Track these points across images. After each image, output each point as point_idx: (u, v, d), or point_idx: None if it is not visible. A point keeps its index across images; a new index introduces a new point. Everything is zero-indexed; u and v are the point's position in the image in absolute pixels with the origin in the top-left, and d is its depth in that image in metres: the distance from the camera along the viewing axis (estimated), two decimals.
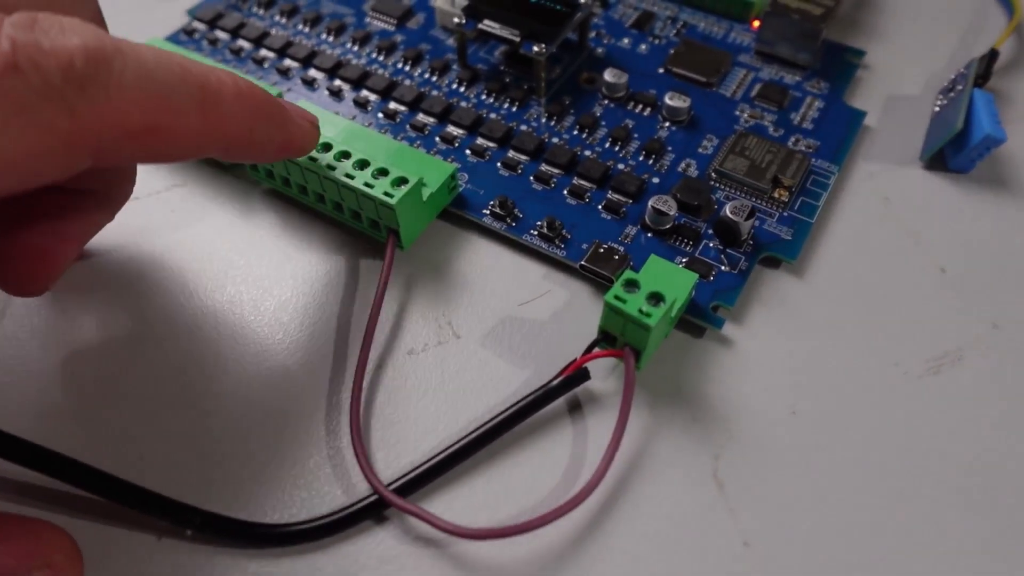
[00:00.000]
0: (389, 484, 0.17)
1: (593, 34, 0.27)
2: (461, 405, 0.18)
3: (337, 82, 0.26)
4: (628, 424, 0.17)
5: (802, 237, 0.21)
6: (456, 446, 0.17)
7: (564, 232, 0.21)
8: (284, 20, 0.28)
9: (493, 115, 0.24)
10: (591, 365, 0.18)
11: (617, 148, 0.23)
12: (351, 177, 0.20)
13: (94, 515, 0.17)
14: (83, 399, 0.18)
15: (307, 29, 0.27)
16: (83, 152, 0.12)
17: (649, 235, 0.21)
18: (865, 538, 0.16)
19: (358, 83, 0.25)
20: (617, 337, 0.18)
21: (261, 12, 0.28)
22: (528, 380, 0.19)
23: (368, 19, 0.28)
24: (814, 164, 0.23)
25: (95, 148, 0.12)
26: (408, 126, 0.24)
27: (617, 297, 0.17)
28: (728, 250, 0.21)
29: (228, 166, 0.23)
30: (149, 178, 0.23)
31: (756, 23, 0.27)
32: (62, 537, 0.15)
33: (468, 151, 0.23)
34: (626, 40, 0.27)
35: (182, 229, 0.22)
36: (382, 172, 0.20)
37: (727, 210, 0.20)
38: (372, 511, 0.16)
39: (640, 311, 0.17)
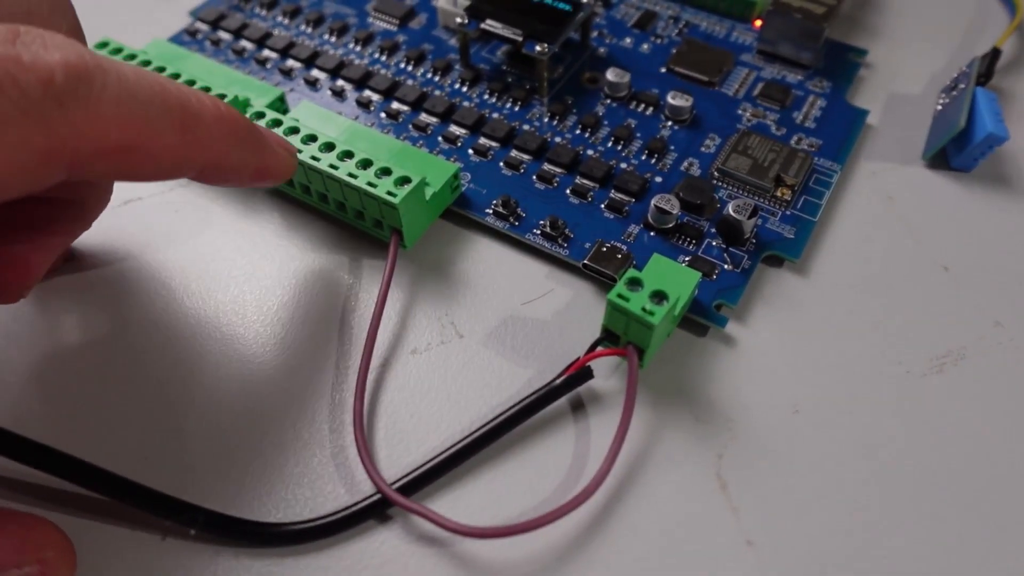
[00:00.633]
0: (392, 483, 0.17)
1: (595, 34, 0.27)
2: (464, 404, 0.18)
3: (340, 82, 0.26)
4: (631, 423, 0.17)
5: (805, 236, 0.21)
6: (459, 445, 0.17)
7: (567, 231, 0.21)
8: (287, 21, 0.28)
9: (496, 115, 0.24)
10: (594, 364, 0.18)
11: (620, 147, 0.23)
12: (354, 177, 0.20)
13: (99, 514, 0.17)
14: (87, 399, 0.19)
15: (310, 29, 0.28)
16: (59, 166, 0.12)
17: (652, 234, 0.21)
18: (867, 537, 0.16)
19: (361, 83, 0.25)
20: (620, 336, 0.18)
21: (264, 13, 0.28)
22: (531, 379, 0.19)
23: (370, 19, 0.28)
24: (817, 163, 0.23)
25: (71, 163, 0.13)
26: (411, 126, 0.24)
27: (620, 296, 0.17)
28: (731, 249, 0.21)
29: None
30: None
31: (758, 22, 0.27)
32: (55, 533, 0.15)
33: (471, 151, 0.23)
34: (628, 40, 0.27)
35: (186, 229, 0.22)
36: (385, 172, 0.20)
37: (730, 209, 0.20)
38: (376, 510, 0.17)
39: (643, 309, 0.17)
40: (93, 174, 0.13)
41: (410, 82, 0.26)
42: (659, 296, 0.17)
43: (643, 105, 0.25)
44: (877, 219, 0.22)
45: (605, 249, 0.20)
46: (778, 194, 0.22)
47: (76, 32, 0.16)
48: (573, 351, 0.19)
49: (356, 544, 0.16)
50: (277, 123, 0.21)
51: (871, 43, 0.27)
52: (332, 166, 0.20)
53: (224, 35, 0.27)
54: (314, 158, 0.20)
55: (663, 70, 0.26)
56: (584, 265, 0.20)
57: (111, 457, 0.17)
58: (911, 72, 0.26)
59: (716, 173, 0.23)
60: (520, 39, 0.24)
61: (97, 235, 0.20)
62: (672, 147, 0.23)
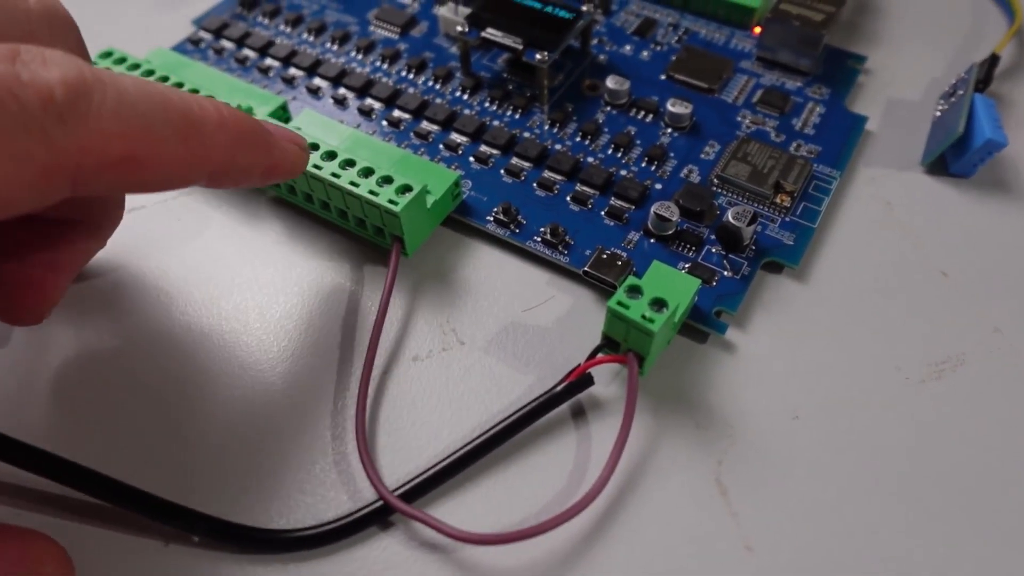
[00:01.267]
0: (394, 490, 0.17)
1: (595, 41, 0.27)
2: (465, 411, 0.19)
3: (342, 90, 0.26)
4: (631, 429, 0.17)
5: (804, 242, 0.21)
6: (461, 452, 0.17)
7: (567, 238, 0.21)
8: (289, 29, 0.28)
9: (496, 122, 0.25)
10: (595, 371, 0.18)
11: (620, 154, 0.24)
12: (356, 185, 0.20)
13: (102, 521, 0.17)
14: (90, 407, 0.19)
15: (312, 38, 0.28)
16: (62, 182, 0.13)
17: (652, 241, 0.21)
18: (867, 542, 0.16)
19: (362, 91, 0.26)
20: (620, 343, 0.18)
21: (266, 21, 0.28)
22: (532, 386, 0.19)
23: (372, 28, 0.28)
24: (816, 169, 0.23)
25: (74, 178, 0.13)
26: (412, 134, 0.24)
27: (620, 303, 0.17)
28: (730, 255, 0.21)
29: None
30: None
31: (757, 29, 0.27)
32: (54, 547, 0.15)
33: (472, 158, 0.24)
34: (628, 47, 0.27)
35: (189, 237, 0.22)
36: (386, 180, 0.20)
37: (729, 215, 0.20)
38: (378, 517, 0.17)
39: (643, 317, 0.17)
40: (99, 188, 0.13)
41: (411, 90, 0.26)
42: (659, 303, 0.17)
43: (643, 112, 0.25)
44: (876, 225, 0.22)
45: (605, 256, 0.21)
46: (777, 201, 0.22)
47: (79, 50, 0.16)
48: (574, 358, 0.19)
49: (358, 551, 0.16)
50: (283, 126, 0.21)
51: (870, 50, 0.27)
52: (334, 174, 0.20)
53: (227, 44, 0.28)
54: (316, 166, 0.20)
55: (663, 77, 0.26)
56: (584, 272, 0.20)
57: (114, 464, 0.17)
58: (910, 78, 0.26)
59: (716, 180, 0.23)
60: (520, 47, 0.24)
61: None
62: (672, 154, 0.24)
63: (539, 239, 0.21)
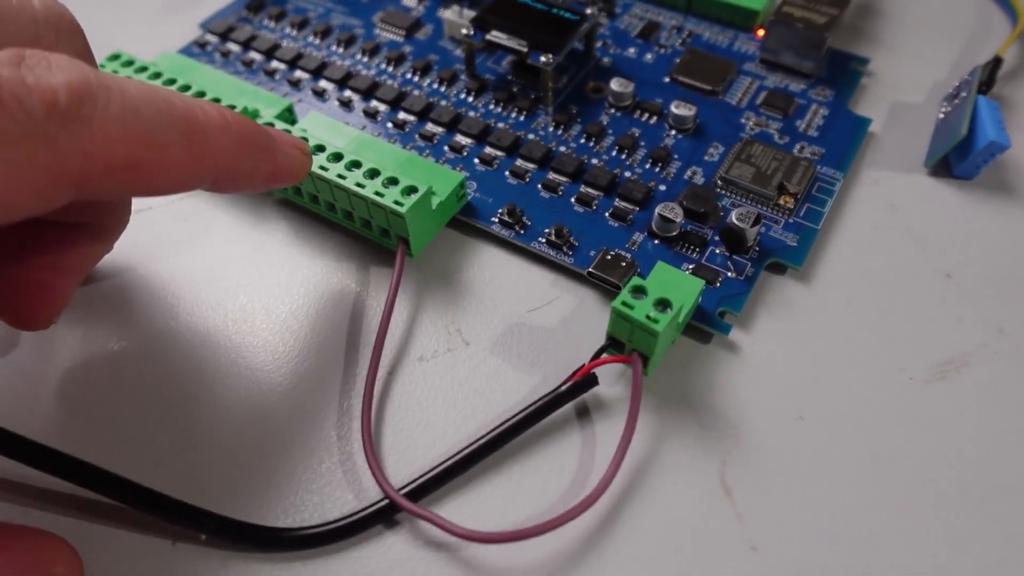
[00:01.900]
0: (400, 489, 0.17)
1: (599, 44, 0.27)
2: (471, 411, 0.19)
3: (347, 93, 0.26)
4: (636, 430, 0.17)
5: (808, 243, 0.21)
6: (466, 451, 0.17)
7: (572, 239, 0.21)
8: (295, 32, 0.28)
9: (501, 124, 0.25)
10: (599, 371, 0.18)
11: (624, 156, 0.24)
12: (362, 186, 0.20)
13: (111, 520, 0.17)
14: (99, 407, 0.19)
15: (317, 41, 0.28)
16: (65, 186, 0.13)
17: (656, 242, 0.21)
18: (871, 543, 0.16)
19: (368, 94, 0.26)
20: (625, 343, 0.18)
21: (272, 24, 0.29)
22: (537, 386, 0.19)
23: (377, 31, 0.28)
24: (819, 171, 0.23)
25: (77, 182, 0.13)
26: (417, 136, 0.25)
27: (624, 303, 0.17)
28: (734, 256, 0.21)
29: None
30: None
31: (761, 32, 0.27)
32: (65, 549, 0.15)
33: (476, 160, 0.24)
34: (632, 49, 0.27)
35: (195, 239, 0.22)
36: (392, 181, 0.20)
37: (733, 217, 0.20)
38: (383, 515, 0.17)
39: (647, 317, 0.17)
40: (102, 192, 0.13)
41: (416, 92, 0.26)
42: (663, 304, 0.17)
43: (647, 114, 0.25)
44: (880, 227, 0.22)
45: (610, 257, 0.21)
46: (781, 202, 0.22)
47: (85, 54, 0.16)
48: (578, 358, 0.19)
49: (364, 549, 0.17)
50: (287, 132, 0.21)
51: (873, 52, 0.27)
52: (340, 176, 0.20)
53: (233, 47, 0.28)
54: (322, 168, 0.20)
55: (667, 79, 0.26)
56: (589, 273, 0.21)
57: (122, 464, 0.17)
58: (913, 81, 0.27)
59: (719, 181, 0.23)
60: (525, 50, 0.24)
61: None
62: (676, 156, 0.24)
63: (544, 240, 0.21)
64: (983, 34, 0.28)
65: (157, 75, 0.23)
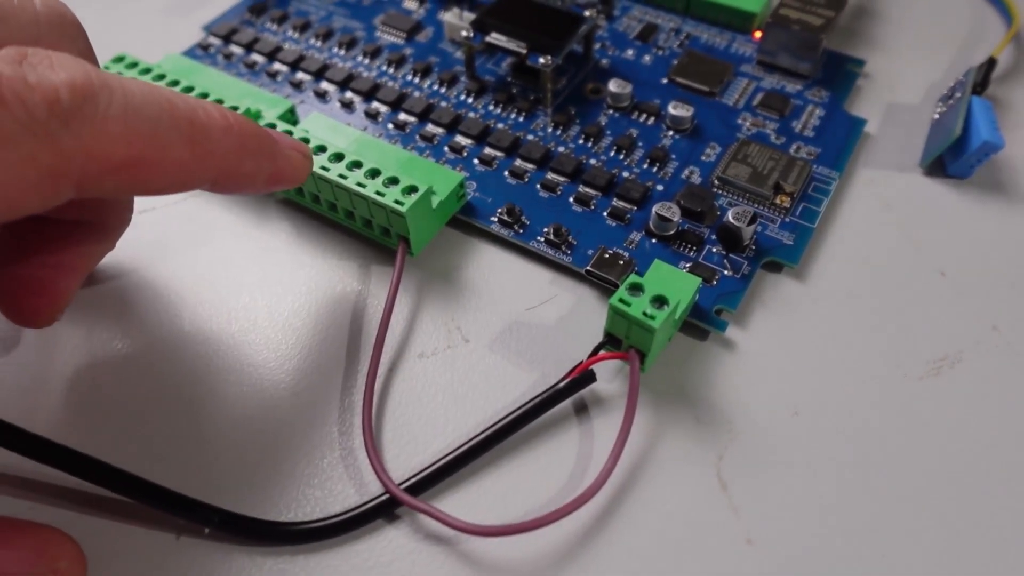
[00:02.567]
0: (400, 483, 0.17)
1: (598, 46, 0.28)
2: (470, 407, 0.19)
3: (348, 94, 0.26)
4: (633, 425, 0.17)
5: (803, 242, 0.22)
6: (465, 446, 0.17)
7: (570, 238, 0.22)
8: (297, 35, 0.29)
9: (500, 125, 0.25)
10: (597, 367, 0.19)
11: (622, 156, 0.24)
12: (363, 186, 0.20)
13: (116, 514, 0.17)
14: (103, 403, 0.19)
15: (319, 43, 0.28)
16: (66, 184, 0.13)
17: (653, 241, 0.22)
18: (864, 535, 0.17)
19: (369, 95, 0.26)
20: (622, 340, 0.18)
21: (274, 27, 0.29)
22: (535, 382, 0.19)
23: (378, 33, 0.29)
24: (815, 171, 0.23)
25: (78, 180, 0.13)
26: (418, 136, 0.25)
27: (622, 300, 0.18)
28: (731, 255, 0.21)
29: None
30: None
31: (758, 34, 0.28)
32: (68, 543, 0.15)
33: (476, 160, 0.24)
34: (630, 51, 0.28)
35: (199, 239, 0.23)
36: (393, 181, 0.20)
37: (729, 216, 0.21)
38: (384, 510, 0.17)
39: (644, 314, 0.17)
40: (103, 191, 0.13)
41: (417, 94, 0.26)
42: (660, 301, 0.18)
43: (645, 115, 0.25)
44: (875, 225, 0.23)
45: (607, 256, 0.21)
46: (777, 201, 0.22)
47: (87, 54, 0.16)
48: (576, 355, 0.19)
49: (365, 542, 0.17)
50: (288, 134, 0.21)
51: (869, 53, 0.28)
52: (341, 176, 0.20)
53: (236, 49, 0.28)
54: (324, 168, 0.20)
55: (664, 81, 0.26)
56: (587, 271, 0.21)
57: (127, 459, 0.17)
58: (908, 82, 0.27)
59: (716, 181, 0.23)
60: (524, 51, 0.24)
61: None
62: (673, 156, 0.24)
63: (542, 239, 0.22)
64: (978, 35, 0.28)
65: (161, 76, 0.23)
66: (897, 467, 0.18)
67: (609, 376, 0.19)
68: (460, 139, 0.25)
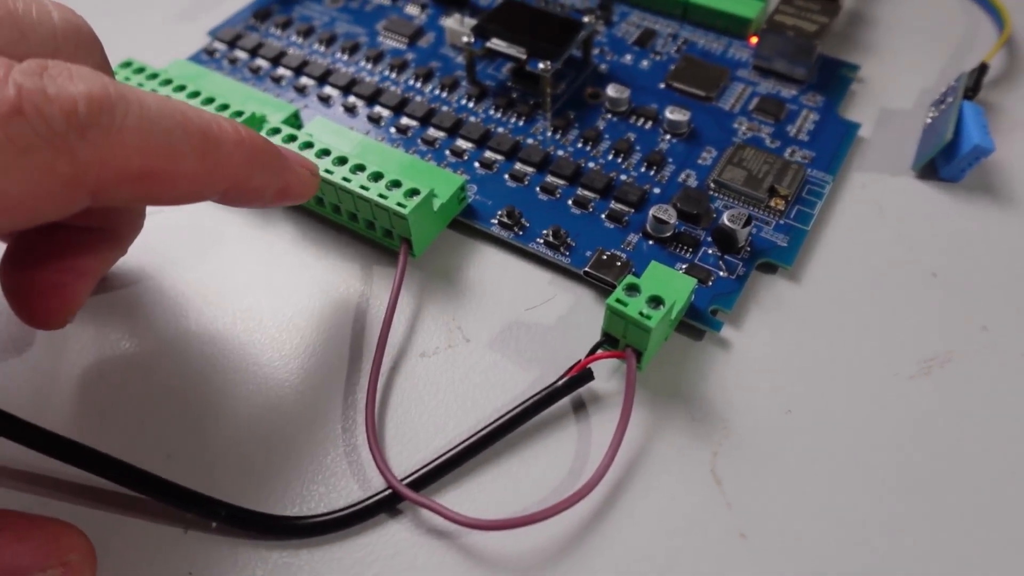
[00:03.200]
0: (403, 479, 0.17)
1: (597, 51, 0.28)
2: (471, 404, 0.19)
3: (352, 99, 0.27)
4: (630, 423, 0.17)
5: (797, 244, 0.22)
6: (466, 443, 0.18)
7: (569, 240, 0.22)
8: (300, 40, 0.29)
9: (501, 129, 0.25)
10: (594, 366, 0.19)
11: (620, 160, 0.24)
12: (366, 189, 0.21)
13: (125, 509, 0.18)
14: (113, 402, 0.19)
15: (323, 48, 0.29)
16: (82, 193, 0.13)
17: (650, 243, 0.22)
18: (856, 531, 0.17)
19: (372, 100, 0.27)
20: (619, 339, 0.19)
21: (278, 33, 0.29)
22: (534, 381, 0.20)
23: (381, 38, 0.29)
24: (809, 174, 0.24)
25: (94, 190, 0.13)
26: (419, 140, 0.25)
27: (619, 300, 0.18)
28: (726, 256, 0.22)
29: None
30: None
31: (754, 39, 0.28)
32: (78, 537, 0.15)
33: (477, 163, 0.24)
34: (628, 56, 0.28)
35: (204, 241, 0.23)
36: (395, 184, 0.21)
37: (725, 218, 0.21)
38: (387, 504, 0.17)
39: (641, 313, 0.18)
40: (117, 200, 0.14)
41: (419, 98, 0.27)
42: (656, 301, 0.18)
43: (642, 119, 0.26)
44: (868, 227, 0.23)
45: (605, 257, 0.21)
46: (772, 204, 0.23)
47: (103, 66, 0.17)
48: (574, 354, 0.20)
49: (368, 536, 0.17)
50: (292, 138, 0.22)
51: (863, 59, 0.28)
52: (345, 179, 0.21)
53: (241, 54, 0.29)
54: (328, 171, 0.21)
55: (662, 86, 0.27)
56: (585, 272, 0.21)
57: (136, 456, 0.18)
58: (901, 87, 0.27)
59: (712, 184, 0.23)
60: (524, 57, 0.25)
61: None
62: (670, 159, 0.24)
63: (541, 241, 0.22)
64: (970, 41, 0.29)
65: (168, 82, 0.24)
66: (887, 464, 0.18)
67: (606, 375, 0.20)
68: (461, 143, 0.25)
